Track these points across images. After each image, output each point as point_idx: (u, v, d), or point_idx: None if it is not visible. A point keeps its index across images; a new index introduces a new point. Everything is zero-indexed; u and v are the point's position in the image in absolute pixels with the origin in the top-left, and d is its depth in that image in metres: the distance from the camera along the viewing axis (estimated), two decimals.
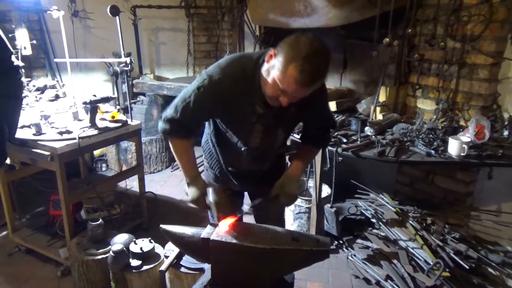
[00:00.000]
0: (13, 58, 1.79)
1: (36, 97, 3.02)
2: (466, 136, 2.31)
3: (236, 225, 1.43)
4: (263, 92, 1.43)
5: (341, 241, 2.79)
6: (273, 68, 1.33)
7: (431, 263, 2.30)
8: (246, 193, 2.02)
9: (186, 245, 1.48)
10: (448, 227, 2.59)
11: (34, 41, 3.30)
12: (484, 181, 2.70)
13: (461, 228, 2.62)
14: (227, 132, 1.61)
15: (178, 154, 1.61)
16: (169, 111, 1.55)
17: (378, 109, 2.89)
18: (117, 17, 2.64)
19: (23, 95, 2.96)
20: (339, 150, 2.37)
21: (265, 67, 1.39)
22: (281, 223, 2.12)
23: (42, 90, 3.17)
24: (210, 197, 1.49)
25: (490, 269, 2.35)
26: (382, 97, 2.94)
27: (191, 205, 1.60)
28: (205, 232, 1.42)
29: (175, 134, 1.57)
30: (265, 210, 1.72)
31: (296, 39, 1.30)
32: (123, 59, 2.80)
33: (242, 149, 1.62)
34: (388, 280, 2.34)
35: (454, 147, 2.23)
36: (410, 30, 2.64)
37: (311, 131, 1.75)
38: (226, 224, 1.41)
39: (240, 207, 1.97)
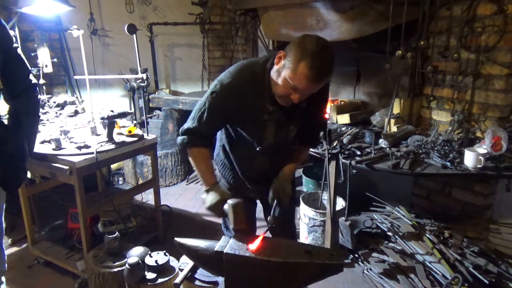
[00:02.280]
0: (30, 76, 1.87)
1: (56, 113, 3.12)
2: (483, 148, 2.27)
3: (253, 239, 1.44)
4: (272, 93, 1.53)
5: (356, 255, 2.76)
6: (283, 69, 1.42)
7: (450, 278, 2.25)
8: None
9: (200, 258, 1.49)
10: (466, 241, 2.53)
11: (55, 59, 3.42)
12: (503, 194, 2.64)
13: (480, 241, 2.56)
14: (241, 135, 1.67)
15: (196, 163, 1.66)
16: (186, 124, 1.64)
17: (392, 121, 2.88)
18: (134, 34, 2.72)
19: (43, 111, 3.08)
20: (353, 162, 2.37)
21: (274, 69, 1.49)
22: (293, 227, 2.17)
23: (62, 106, 3.27)
24: (228, 204, 1.51)
25: (511, 284, 2.28)
26: (396, 109, 2.92)
27: (208, 211, 1.62)
28: (219, 245, 1.44)
29: (193, 144, 1.63)
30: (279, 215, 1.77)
31: (302, 39, 1.41)
32: (139, 75, 2.87)
33: (257, 148, 1.68)
34: None
35: (470, 159, 2.20)
36: (423, 42, 2.64)
37: (308, 128, 1.79)
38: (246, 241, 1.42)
39: (254, 215, 2.02)
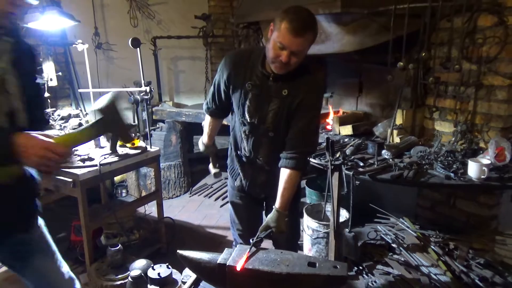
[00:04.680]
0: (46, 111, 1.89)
1: (60, 126, 3.15)
2: (486, 158, 2.26)
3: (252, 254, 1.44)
4: (262, 68, 1.74)
5: (360, 267, 2.73)
6: (272, 34, 1.62)
7: None
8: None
9: (203, 271, 1.48)
10: (472, 252, 2.51)
11: (60, 73, 3.47)
12: (508, 204, 2.62)
13: (486, 253, 2.53)
14: (233, 108, 1.91)
15: (205, 126, 2.11)
16: (204, 104, 2.09)
17: (395, 132, 2.88)
18: (138, 48, 2.76)
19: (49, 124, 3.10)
20: (356, 173, 2.36)
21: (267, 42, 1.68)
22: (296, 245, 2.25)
23: (66, 119, 3.30)
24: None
25: None
26: (399, 120, 2.92)
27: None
28: (222, 257, 1.43)
29: (209, 113, 2.07)
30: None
31: (286, 8, 1.60)
32: (143, 88, 2.91)
33: (241, 125, 1.88)
34: None
35: (473, 169, 2.19)
36: (424, 54, 2.65)
37: (290, 136, 1.81)
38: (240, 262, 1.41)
39: (260, 216, 2.05)
